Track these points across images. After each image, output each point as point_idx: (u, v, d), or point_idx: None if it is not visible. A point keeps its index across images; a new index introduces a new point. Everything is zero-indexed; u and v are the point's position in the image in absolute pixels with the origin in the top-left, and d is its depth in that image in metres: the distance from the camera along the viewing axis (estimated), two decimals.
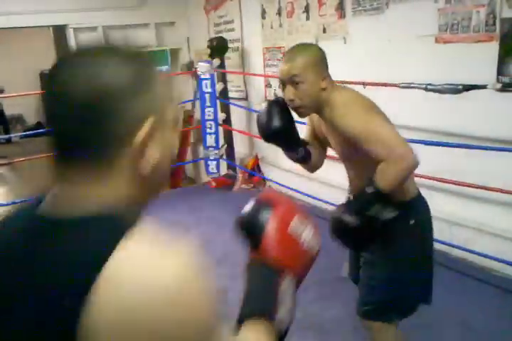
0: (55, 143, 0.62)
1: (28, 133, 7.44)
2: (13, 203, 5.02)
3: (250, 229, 0.80)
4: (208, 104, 4.77)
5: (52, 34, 8.00)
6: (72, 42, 5.36)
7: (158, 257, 0.55)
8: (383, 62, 3.22)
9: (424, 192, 3.21)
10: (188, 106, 5.65)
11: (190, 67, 5.56)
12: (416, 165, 1.48)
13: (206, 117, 4.81)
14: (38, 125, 10.59)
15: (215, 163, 4.87)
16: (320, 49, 1.66)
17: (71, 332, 0.51)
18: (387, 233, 1.53)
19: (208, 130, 4.82)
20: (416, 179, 3.27)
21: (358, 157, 1.54)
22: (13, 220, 0.67)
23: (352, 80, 3.31)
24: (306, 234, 0.79)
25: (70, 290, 0.53)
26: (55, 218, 0.60)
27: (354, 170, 1.66)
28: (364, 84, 3.13)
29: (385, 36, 3.19)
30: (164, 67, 6.22)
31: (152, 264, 0.54)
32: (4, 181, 7.40)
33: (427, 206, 1.71)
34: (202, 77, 4.73)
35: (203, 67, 4.73)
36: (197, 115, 5.25)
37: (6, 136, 9.38)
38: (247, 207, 0.83)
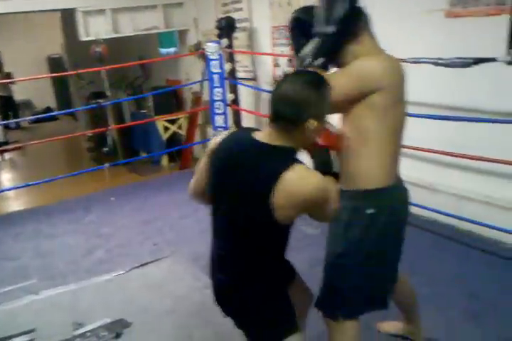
0: (272, 114, 1.34)
1: (36, 117, 7.47)
2: (23, 186, 5.09)
3: None
4: (216, 84, 4.76)
5: (60, 18, 7.99)
6: (80, 26, 5.33)
7: (308, 174, 1.28)
8: (393, 37, 3.18)
9: (432, 167, 3.23)
10: (196, 87, 5.65)
11: (198, 48, 5.52)
12: None
13: (215, 98, 4.80)
14: (47, 110, 10.68)
15: None
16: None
17: (265, 203, 1.26)
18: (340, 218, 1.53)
19: (217, 110, 4.82)
20: (424, 154, 3.31)
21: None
22: (235, 138, 1.44)
23: None
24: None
25: (265, 185, 1.26)
26: (265, 143, 1.33)
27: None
28: None
29: (395, 11, 3.15)
30: (172, 49, 6.20)
31: (305, 175, 1.27)
32: (14, 166, 7.49)
33: (401, 198, 1.62)
34: (210, 57, 4.72)
35: (211, 48, 4.71)
36: (205, 96, 5.25)
37: (16, 121, 9.42)
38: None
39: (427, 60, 2.75)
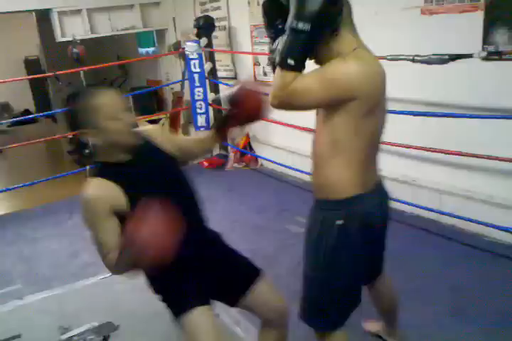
0: None
1: (15, 119, 7.36)
2: (3, 191, 5.02)
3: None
4: (197, 84, 4.75)
5: (35, 19, 7.86)
6: (56, 27, 5.27)
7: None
8: (369, 35, 3.21)
9: (412, 163, 3.28)
10: (177, 87, 5.63)
11: (177, 48, 5.51)
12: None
13: (196, 97, 4.80)
14: (26, 112, 10.50)
15: None
16: None
17: None
18: (306, 228, 1.53)
19: (198, 110, 4.82)
20: (406, 150, 3.37)
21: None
22: None
23: None
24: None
25: None
26: None
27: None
28: None
29: (371, 9, 3.19)
30: (151, 49, 6.17)
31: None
32: None
33: (372, 207, 1.50)
34: (190, 57, 4.71)
35: (190, 47, 4.70)
36: (186, 96, 5.24)
37: None
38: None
39: (405, 57, 2.79)
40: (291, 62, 1.33)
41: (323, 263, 1.50)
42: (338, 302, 1.56)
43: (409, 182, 3.27)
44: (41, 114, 7.86)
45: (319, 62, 1.43)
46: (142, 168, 1.49)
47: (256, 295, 1.65)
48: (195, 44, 4.69)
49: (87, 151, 6.11)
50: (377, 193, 1.55)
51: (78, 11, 5.34)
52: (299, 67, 1.35)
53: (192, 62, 4.72)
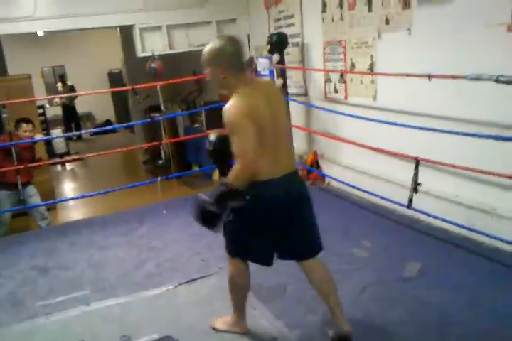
0: None
1: (97, 129, 7.80)
2: (83, 197, 5.30)
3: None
4: None
5: (119, 35, 8.33)
6: (137, 43, 5.53)
7: None
8: (450, 53, 3.08)
9: (492, 190, 3.03)
10: None
11: (250, 64, 5.59)
12: (248, 166, 1.94)
13: None
14: (107, 122, 11.13)
15: None
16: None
17: None
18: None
19: None
20: (485, 176, 3.14)
21: None
22: None
23: (416, 73, 3.20)
24: None
25: None
26: None
27: None
28: (429, 76, 3.01)
29: (453, 26, 3.05)
30: None
31: None
32: (75, 176, 7.82)
33: (272, 190, 2.04)
34: (261, 73, 4.75)
35: (262, 63, 4.75)
36: None
37: (78, 133, 9.88)
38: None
39: (488, 77, 2.62)
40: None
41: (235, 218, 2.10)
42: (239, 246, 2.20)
43: (488, 211, 3.05)
44: (120, 125, 8.30)
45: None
46: None
47: None
48: (266, 60, 4.73)
49: (160, 162, 6.34)
50: (281, 182, 2.05)
51: (158, 28, 5.58)
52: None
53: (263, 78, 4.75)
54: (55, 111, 10.87)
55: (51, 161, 6.37)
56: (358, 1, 3.87)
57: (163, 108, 5.56)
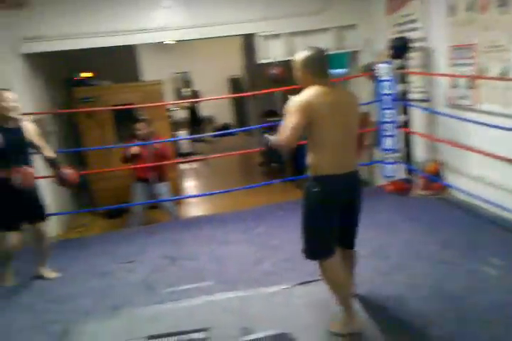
0: None
1: (219, 132, 8.29)
2: (210, 194, 5.68)
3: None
4: (386, 105, 4.72)
5: (240, 43, 8.76)
6: (259, 50, 5.79)
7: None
8: None
9: None
10: (365, 108, 5.66)
11: (369, 69, 5.55)
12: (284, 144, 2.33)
13: (384, 119, 4.77)
14: (226, 126, 11.73)
15: (391, 166, 4.80)
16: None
17: None
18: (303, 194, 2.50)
19: (385, 132, 4.77)
20: None
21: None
22: None
23: None
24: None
25: None
26: None
27: None
28: None
29: None
30: (342, 70, 6.32)
31: None
32: (198, 175, 8.38)
33: (334, 183, 2.40)
34: (381, 78, 4.71)
35: (382, 69, 4.71)
36: (373, 117, 5.24)
37: (201, 136, 10.59)
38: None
39: None
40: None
41: (305, 212, 2.52)
42: (320, 241, 2.50)
43: None
44: (239, 129, 8.70)
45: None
46: None
47: None
48: (387, 66, 4.68)
49: (274, 165, 6.55)
50: (341, 176, 2.41)
51: (278, 35, 5.78)
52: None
53: (383, 83, 4.71)
54: (179, 114, 11.72)
55: (180, 160, 6.93)
56: (491, 4, 3.68)
57: (280, 112, 5.75)
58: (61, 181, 3.46)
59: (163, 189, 5.05)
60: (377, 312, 2.65)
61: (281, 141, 2.32)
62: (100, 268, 3.72)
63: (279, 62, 5.81)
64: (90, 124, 6.24)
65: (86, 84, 6.90)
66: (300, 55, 2.44)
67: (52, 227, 5.28)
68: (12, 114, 3.30)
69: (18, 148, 3.33)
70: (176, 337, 2.62)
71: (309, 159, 2.44)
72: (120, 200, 5.55)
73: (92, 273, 3.66)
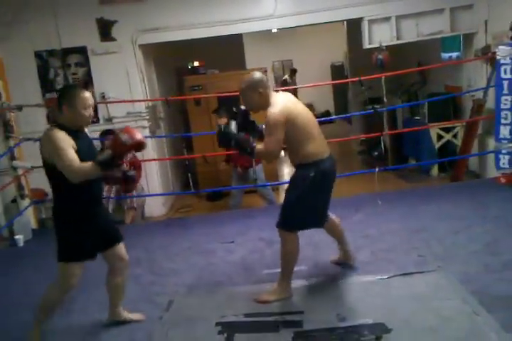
0: None
1: (318, 120, 8.21)
2: None
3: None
4: (505, 91, 4.32)
5: (344, 28, 8.54)
6: (365, 34, 5.61)
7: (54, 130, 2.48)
8: None
9: None
10: (479, 94, 5.26)
11: (486, 52, 5.14)
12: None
13: (502, 106, 4.38)
14: (326, 113, 11.60)
15: (507, 157, 4.42)
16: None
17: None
18: (292, 177, 2.90)
19: (503, 120, 4.39)
20: None
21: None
22: None
23: None
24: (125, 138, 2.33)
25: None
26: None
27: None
28: None
29: None
30: (455, 53, 5.92)
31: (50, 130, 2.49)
32: None
33: (328, 166, 2.81)
34: (501, 62, 4.33)
35: (503, 51, 4.31)
36: (489, 104, 4.85)
37: None
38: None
39: None
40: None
41: (297, 193, 2.80)
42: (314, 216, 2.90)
43: None
44: (339, 116, 8.55)
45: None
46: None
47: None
48: (509, 48, 4.28)
49: (376, 153, 6.37)
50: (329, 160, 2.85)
51: (387, 19, 5.55)
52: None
53: (503, 67, 4.32)
54: None
55: None
56: None
57: (385, 99, 5.57)
58: (126, 183, 2.89)
59: (258, 174, 5.14)
60: (489, 311, 2.47)
61: (269, 153, 2.72)
62: (202, 247, 3.91)
63: (385, 46, 5.60)
64: (198, 111, 6.52)
65: (196, 72, 7.20)
66: (251, 79, 2.75)
67: (158, 207, 5.68)
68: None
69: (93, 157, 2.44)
70: (271, 317, 2.68)
71: (298, 152, 2.77)
72: (221, 184, 5.76)
73: (195, 250, 3.86)
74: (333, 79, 10.88)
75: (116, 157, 2.36)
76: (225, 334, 2.55)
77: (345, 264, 3.19)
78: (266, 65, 8.32)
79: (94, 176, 2.39)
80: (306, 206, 2.78)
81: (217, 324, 2.67)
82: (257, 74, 2.79)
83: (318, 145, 2.79)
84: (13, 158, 4.60)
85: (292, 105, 2.75)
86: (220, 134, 2.78)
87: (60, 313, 2.80)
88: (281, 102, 2.71)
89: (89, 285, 3.05)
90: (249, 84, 2.75)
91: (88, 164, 2.33)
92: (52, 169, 2.38)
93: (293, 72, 11.68)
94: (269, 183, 5.34)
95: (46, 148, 2.38)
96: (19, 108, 4.55)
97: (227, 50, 7.67)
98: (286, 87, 9.53)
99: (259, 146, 2.70)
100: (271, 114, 2.66)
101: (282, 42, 11.88)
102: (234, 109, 2.98)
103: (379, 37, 5.60)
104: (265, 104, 2.73)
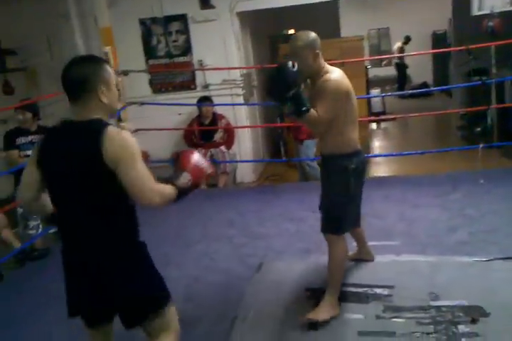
0: (69, 95, 1.70)
1: (412, 91, 7.82)
2: (395, 155, 5.49)
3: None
4: None
5: None
6: (474, 0, 5.15)
7: (121, 132, 1.63)
8: None
9: None
10: None
11: None
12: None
13: None
14: (423, 85, 10.98)
15: None
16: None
17: (99, 160, 1.57)
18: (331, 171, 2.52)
19: None
20: None
21: None
22: (56, 130, 1.77)
23: None
24: (202, 162, 1.82)
25: (93, 145, 1.57)
26: (78, 121, 1.67)
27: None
28: None
29: None
30: None
31: (120, 136, 1.61)
32: (388, 135, 8.15)
33: (365, 158, 2.59)
34: None
35: None
36: None
37: (390, 94, 10.14)
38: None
39: None
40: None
41: (337, 189, 2.49)
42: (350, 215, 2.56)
43: None
44: (438, 88, 8.06)
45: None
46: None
47: None
48: None
49: (478, 129, 5.95)
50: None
51: None
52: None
53: None
54: (374, 72, 11.35)
55: (368, 118, 6.81)
56: None
57: (494, 70, 5.14)
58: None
59: (307, 148, 4.94)
60: None
61: (320, 120, 2.28)
62: (293, 214, 3.96)
63: (498, 13, 5.12)
64: None
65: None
66: (308, 37, 2.36)
67: (248, 174, 5.81)
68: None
69: None
70: (361, 289, 2.69)
71: (340, 137, 2.41)
72: None
73: (286, 217, 3.92)
74: (433, 49, 10.21)
75: (196, 186, 1.78)
76: (315, 301, 2.60)
77: (361, 260, 2.97)
78: (361, 33, 7.96)
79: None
80: (353, 203, 2.54)
81: (307, 289, 2.74)
82: (313, 34, 2.40)
83: (357, 134, 2.48)
84: (120, 120, 4.91)
85: (348, 81, 2.39)
86: (283, 72, 2.18)
87: None
88: (340, 73, 2.38)
89: None
90: (306, 42, 2.34)
91: (169, 187, 1.66)
92: (112, 182, 1.59)
93: (407, 39, 11.08)
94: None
95: (113, 153, 1.57)
96: (125, 73, 4.80)
97: (322, 18, 7.46)
98: (384, 56, 9.15)
99: (312, 110, 2.26)
100: (331, 80, 2.29)
101: (379, 10, 11.29)
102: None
103: (490, 2, 5.13)
104: (318, 69, 2.36)
